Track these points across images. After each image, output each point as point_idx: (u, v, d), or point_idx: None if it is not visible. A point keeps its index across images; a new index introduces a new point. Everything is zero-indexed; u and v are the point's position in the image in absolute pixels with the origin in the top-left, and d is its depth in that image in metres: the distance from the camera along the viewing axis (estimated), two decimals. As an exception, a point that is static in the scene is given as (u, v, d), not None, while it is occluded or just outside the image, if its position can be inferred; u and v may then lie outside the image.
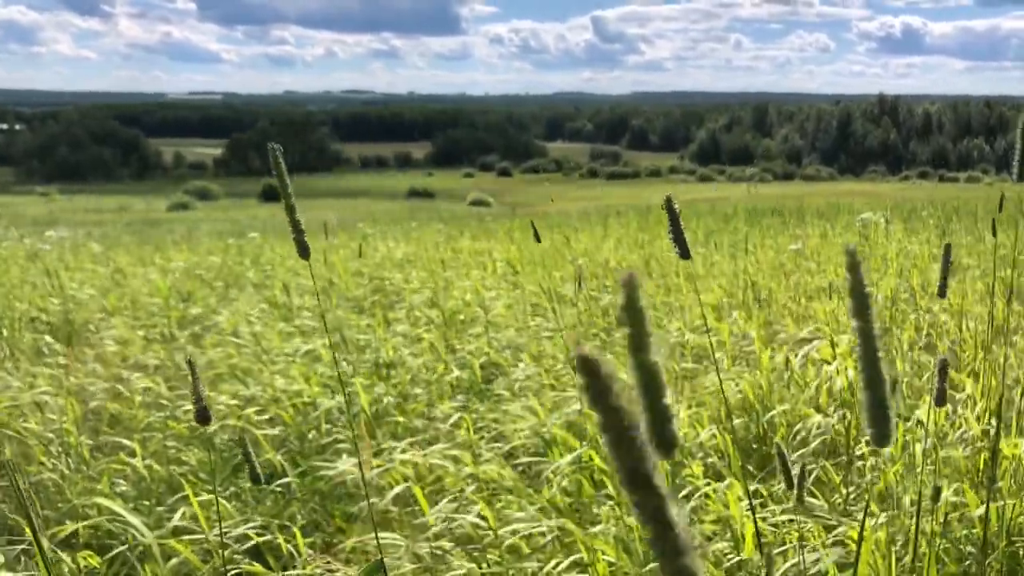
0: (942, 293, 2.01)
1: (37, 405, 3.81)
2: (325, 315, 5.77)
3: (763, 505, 2.49)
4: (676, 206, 1.43)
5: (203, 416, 1.42)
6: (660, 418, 0.53)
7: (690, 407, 3.24)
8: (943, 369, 1.55)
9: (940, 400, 1.60)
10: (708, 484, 2.54)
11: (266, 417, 3.78)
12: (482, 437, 3.37)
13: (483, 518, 2.49)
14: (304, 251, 1.44)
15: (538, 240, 3.43)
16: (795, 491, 1.48)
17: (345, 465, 3.10)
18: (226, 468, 3.33)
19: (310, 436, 3.60)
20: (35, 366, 4.61)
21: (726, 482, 2.46)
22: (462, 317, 5.60)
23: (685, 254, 1.46)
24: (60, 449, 3.46)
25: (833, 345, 3.66)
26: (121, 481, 3.24)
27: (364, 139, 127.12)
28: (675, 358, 4.19)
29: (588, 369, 0.44)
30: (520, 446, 3.25)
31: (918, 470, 2.70)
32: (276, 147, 1.37)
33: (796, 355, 3.79)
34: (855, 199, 25.36)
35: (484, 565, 2.34)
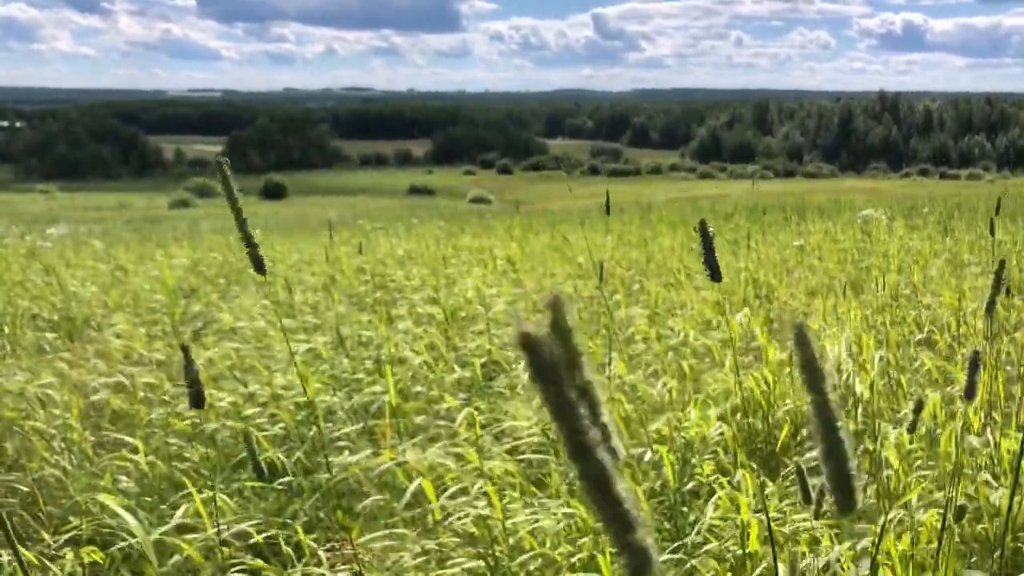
0: (990, 309, 2.00)
1: (40, 400, 3.82)
2: (327, 313, 5.78)
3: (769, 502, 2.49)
4: (710, 230, 1.42)
5: (197, 400, 1.43)
6: (603, 433, 0.53)
7: (696, 405, 3.24)
8: (974, 363, 1.54)
9: (970, 393, 1.60)
10: (716, 479, 2.54)
11: (268, 414, 3.77)
12: (483, 435, 3.37)
13: (490, 506, 2.49)
14: (259, 266, 1.40)
15: (608, 212, 3.42)
16: (813, 507, 1.47)
17: (355, 457, 3.10)
18: (228, 465, 3.33)
19: (310, 433, 3.60)
20: (37, 363, 4.60)
21: (737, 475, 2.46)
22: (463, 314, 5.60)
23: (716, 277, 1.46)
24: (63, 445, 3.46)
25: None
26: (123, 478, 3.24)
27: (364, 136, 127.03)
28: (679, 356, 4.19)
29: (528, 345, 0.45)
30: (525, 443, 3.25)
31: (918, 463, 2.70)
32: (224, 160, 1.37)
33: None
34: (856, 196, 25.37)
35: (490, 560, 2.34)
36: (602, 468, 0.46)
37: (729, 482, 2.52)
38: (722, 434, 2.94)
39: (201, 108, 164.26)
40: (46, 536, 2.65)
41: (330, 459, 3.17)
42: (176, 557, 2.73)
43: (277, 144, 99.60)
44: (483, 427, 3.44)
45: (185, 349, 1.41)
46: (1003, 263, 1.97)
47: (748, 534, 2.16)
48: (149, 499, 3.01)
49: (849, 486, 0.67)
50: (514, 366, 4.27)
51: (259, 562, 2.50)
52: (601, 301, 5.60)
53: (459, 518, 2.60)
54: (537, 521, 2.40)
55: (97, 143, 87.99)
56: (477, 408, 3.55)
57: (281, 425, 3.65)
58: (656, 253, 8.45)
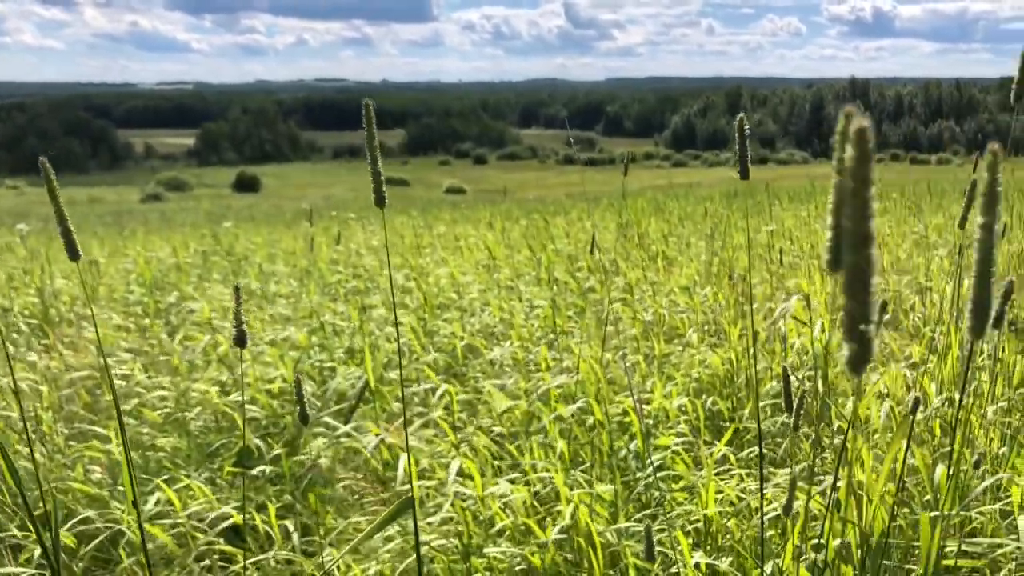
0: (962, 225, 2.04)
1: (13, 392, 3.79)
2: (302, 302, 5.77)
3: (729, 472, 2.54)
4: (747, 128, 1.50)
5: (241, 339, 1.49)
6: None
7: (664, 382, 3.29)
8: (1008, 293, 1.56)
9: (998, 322, 1.63)
10: (676, 452, 2.58)
11: (244, 401, 3.78)
12: (460, 413, 3.40)
13: (469, 478, 2.52)
14: (73, 252, 1.41)
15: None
16: (792, 417, 1.51)
17: (341, 431, 3.12)
18: (200, 454, 3.34)
19: (284, 422, 3.61)
20: (10, 355, 4.57)
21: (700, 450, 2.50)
22: (439, 301, 5.62)
23: (745, 175, 1.52)
24: (34, 436, 3.44)
25: (808, 302, 3.72)
26: (96, 468, 3.24)
27: (337, 127, 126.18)
28: (650, 336, 4.23)
29: (859, 135, 0.53)
30: (500, 421, 3.28)
31: (878, 435, 2.76)
32: (43, 159, 1.41)
33: (765, 322, 3.85)
34: (828, 181, 25.59)
35: (464, 538, 2.37)
36: (871, 262, 0.57)
37: (687, 450, 2.57)
38: (683, 407, 2.99)
39: (172, 101, 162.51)
40: (14, 530, 2.65)
41: (308, 445, 3.18)
42: (149, 545, 2.74)
43: (250, 136, 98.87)
44: (460, 407, 3.47)
45: (236, 289, 1.47)
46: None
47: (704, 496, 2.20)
48: (121, 488, 3.01)
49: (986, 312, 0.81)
50: (488, 351, 4.30)
51: (230, 548, 2.51)
52: (579, 288, 5.64)
53: (430, 494, 2.63)
54: (508, 496, 2.44)
55: (67, 137, 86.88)
56: (454, 392, 3.57)
57: (256, 412, 3.66)
58: (636, 240, 8.50)
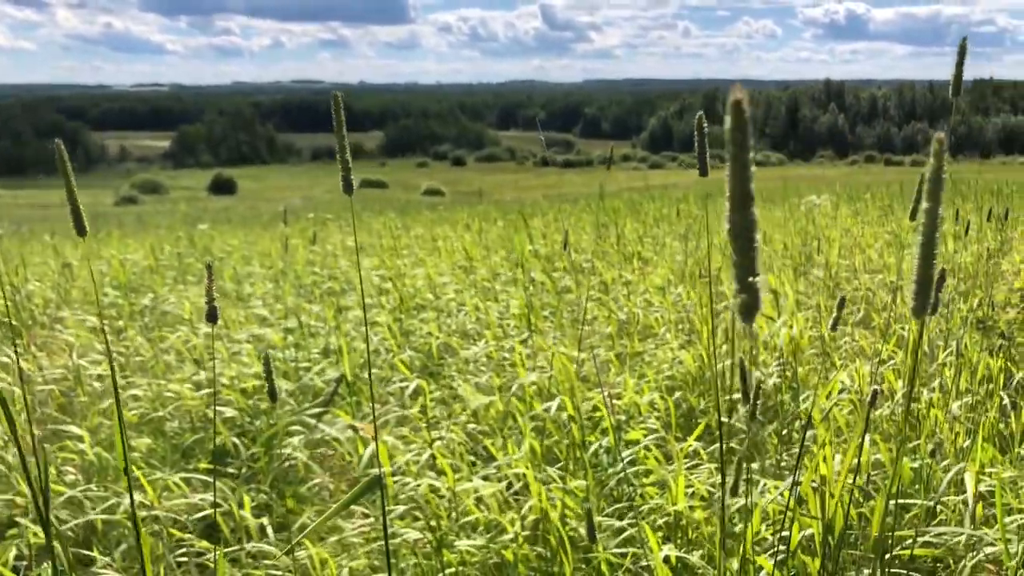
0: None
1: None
2: (277, 304, 5.77)
3: (697, 467, 2.58)
4: (705, 126, 1.54)
5: (212, 315, 1.54)
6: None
7: (635, 379, 3.32)
8: (941, 279, 1.61)
9: (933, 308, 1.68)
10: (647, 448, 2.62)
11: (219, 401, 3.78)
12: (434, 415, 3.42)
13: (443, 474, 2.55)
14: (80, 228, 1.49)
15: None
16: (750, 405, 1.55)
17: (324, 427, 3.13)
18: (175, 453, 3.34)
19: (257, 423, 3.62)
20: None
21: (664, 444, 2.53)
22: (416, 302, 5.64)
23: (704, 172, 1.56)
24: (6, 439, 3.43)
25: (777, 297, 3.77)
26: (70, 469, 3.23)
27: (314, 129, 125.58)
28: (625, 335, 4.28)
29: (736, 107, 0.57)
30: (475, 418, 3.30)
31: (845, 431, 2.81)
32: (58, 141, 1.48)
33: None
34: (802, 183, 25.76)
35: (436, 532, 2.39)
36: (753, 220, 0.63)
37: (659, 446, 2.61)
38: (654, 403, 3.03)
39: (148, 103, 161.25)
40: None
41: (282, 442, 3.19)
42: (123, 546, 2.74)
43: (227, 139, 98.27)
44: (434, 404, 3.49)
45: (209, 266, 1.51)
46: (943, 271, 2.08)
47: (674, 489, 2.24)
48: (95, 488, 3.01)
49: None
50: (463, 350, 4.32)
51: (204, 543, 2.52)
52: (555, 287, 5.67)
53: (405, 487, 2.65)
54: (481, 490, 2.46)
55: (40, 139, 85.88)
56: (430, 390, 3.59)
57: (231, 412, 3.66)
58: (612, 240, 8.54)
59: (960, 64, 1.56)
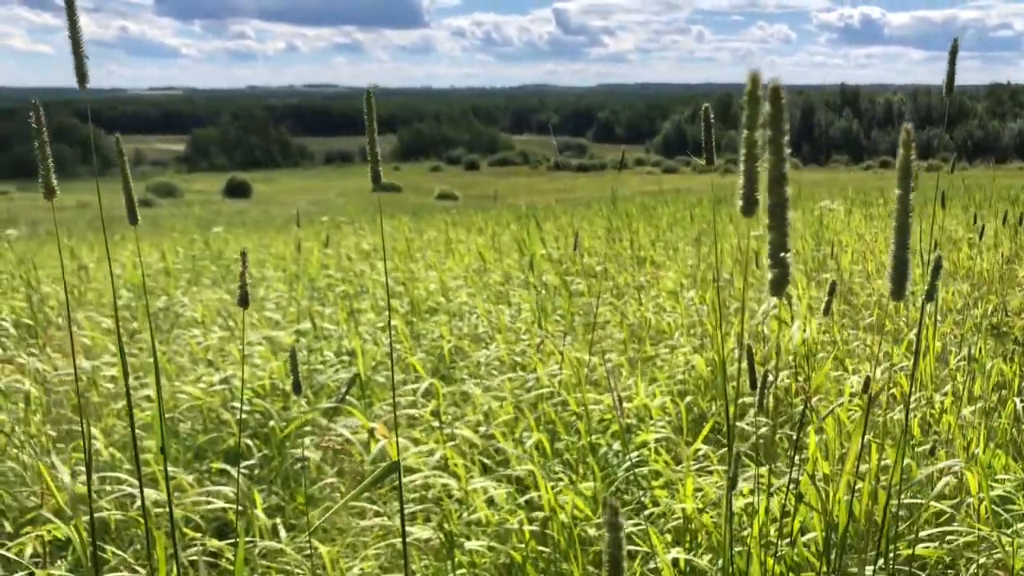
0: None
1: (2, 394, 3.81)
2: (292, 305, 5.80)
3: (707, 470, 2.58)
4: (712, 118, 1.56)
5: (244, 299, 1.59)
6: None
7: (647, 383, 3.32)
8: (938, 267, 1.60)
9: (930, 295, 1.67)
10: (657, 452, 2.62)
11: (235, 401, 3.80)
12: (446, 416, 3.43)
13: (455, 476, 2.56)
14: (133, 216, 1.60)
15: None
16: (758, 397, 1.56)
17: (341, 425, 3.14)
18: (188, 453, 3.36)
19: (271, 423, 3.64)
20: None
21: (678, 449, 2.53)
22: (429, 305, 5.65)
23: (711, 161, 1.58)
24: (22, 439, 3.46)
25: (790, 304, 3.76)
26: (83, 468, 3.25)
27: (328, 133, 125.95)
28: (638, 338, 4.28)
29: (774, 93, 0.61)
30: (486, 419, 3.31)
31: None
32: (117, 135, 1.58)
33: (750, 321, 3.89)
34: (816, 188, 25.68)
35: (445, 532, 2.40)
36: (786, 198, 0.66)
37: (668, 449, 2.61)
38: (664, 407, 3.03)
39: (162, 107, 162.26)
40: (7, 524, 2.67)
41: (295, 442, 3.21)
42: (137, 545, 2.76)
43: (241, 142, 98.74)
44: (447, 405, 3.50)
45: (243, 253, 1.57)
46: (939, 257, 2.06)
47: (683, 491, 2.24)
48: (109, 488, 3.04)
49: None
50: (475, 353, 4.33)
51: (215, 541, 2.54)
52: (564, 289, 5.67)
53: (417, 489, 2.66)
54: (492, 492, 2.47)
55: (56, 142, 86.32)
56: (441, 393, 3.60)
57: (245, 411, 3.68)
58: (626, 244, 8.54)
59: (952, 63, 1.58)
